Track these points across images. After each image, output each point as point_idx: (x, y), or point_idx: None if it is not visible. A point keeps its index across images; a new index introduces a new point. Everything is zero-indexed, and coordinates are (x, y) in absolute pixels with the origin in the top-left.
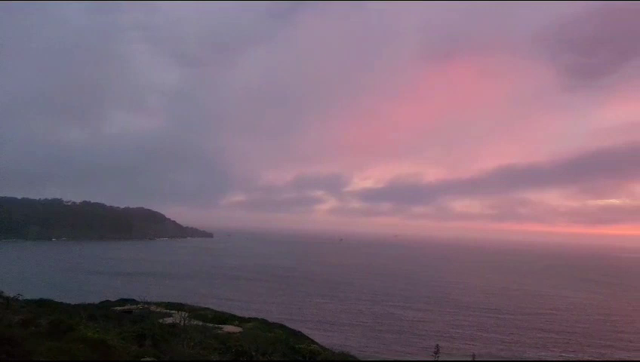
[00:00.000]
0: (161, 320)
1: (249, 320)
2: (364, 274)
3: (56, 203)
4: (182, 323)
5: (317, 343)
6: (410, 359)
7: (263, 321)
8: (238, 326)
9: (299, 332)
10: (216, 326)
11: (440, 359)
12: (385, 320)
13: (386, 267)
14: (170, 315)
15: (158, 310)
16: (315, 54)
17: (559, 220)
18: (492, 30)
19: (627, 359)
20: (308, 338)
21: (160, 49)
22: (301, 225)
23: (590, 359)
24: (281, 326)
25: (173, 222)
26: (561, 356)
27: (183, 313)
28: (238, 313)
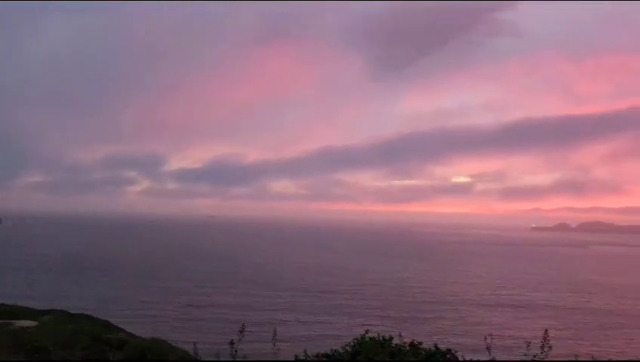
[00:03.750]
0: None
1: (47, 312)
2: (178, 258)
3: None
4: None
5: (126, 331)
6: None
7: (63, 313)
8: (33, 319)
9: (106, 321)
10: (7, 321)
11: (240, 342)
12: (197, 307)
13: (201, 250)
14: None
15: None
16: (132, 27)
17: (367, 199)
18: (310, 19)
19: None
20: (117, 327)
21: None
22: (111, 208)
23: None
24: (86, 317)
25: None
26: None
27: None
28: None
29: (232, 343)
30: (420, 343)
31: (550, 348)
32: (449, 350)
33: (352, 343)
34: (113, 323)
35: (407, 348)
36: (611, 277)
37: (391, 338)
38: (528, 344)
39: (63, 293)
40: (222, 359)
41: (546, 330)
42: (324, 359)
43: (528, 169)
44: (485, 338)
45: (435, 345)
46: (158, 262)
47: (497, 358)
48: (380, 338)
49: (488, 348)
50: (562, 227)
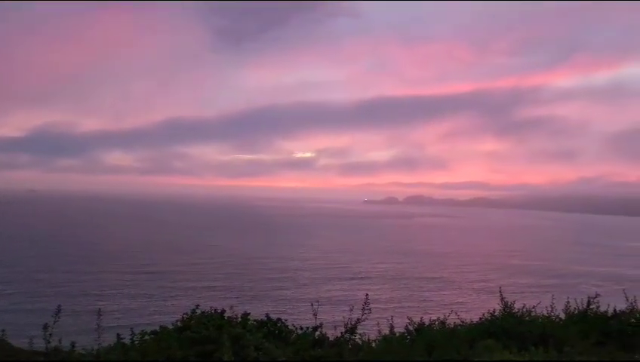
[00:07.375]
0: None
1: None
2: None
3: None
4: None
5: None
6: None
7: None
8: None
9: None
10: None
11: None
12: (13, 295)
13: (20, 228)
14: None
15: None
16: None
17: (210, 173)
18: None
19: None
20: None
21: None
22: None
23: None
24: None
25: None
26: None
27: None
28: None
29: (45, 327)
30: (249, 313)
31: (370, 311)
32: (279, 319)
33: (181, 318)
34: None
35: (239, 319)
36: (432, 246)
37: (223, 311)
38: (351, 308)
39: None
40: (35, 346)
41: (367, 294)
42: (150, 336)
43: (370, 146)
44: (312, 304)
45: (267, 315)
46: None
47: (323, 322)
48: (211, 312)
49: (315, 315)
50: (391, 200)
